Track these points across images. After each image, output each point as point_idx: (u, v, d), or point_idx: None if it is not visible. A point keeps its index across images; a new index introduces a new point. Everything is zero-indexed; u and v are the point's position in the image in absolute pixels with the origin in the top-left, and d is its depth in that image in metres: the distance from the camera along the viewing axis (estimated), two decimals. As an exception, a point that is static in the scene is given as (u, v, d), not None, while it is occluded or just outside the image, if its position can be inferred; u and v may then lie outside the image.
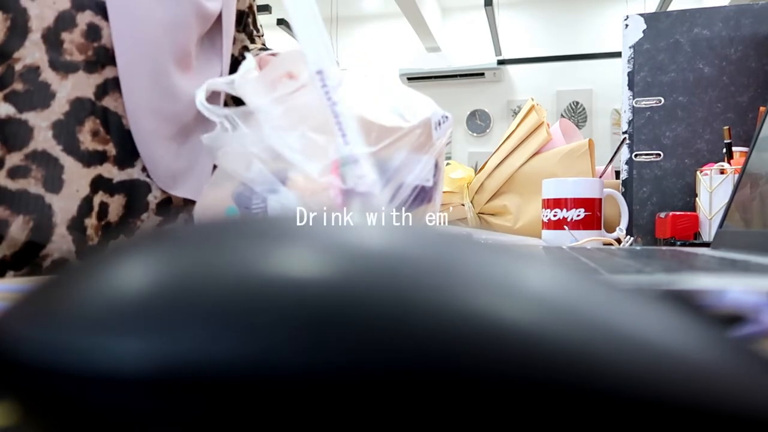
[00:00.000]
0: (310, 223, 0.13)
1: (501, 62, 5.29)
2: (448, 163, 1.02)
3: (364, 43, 5.73)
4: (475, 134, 5.54)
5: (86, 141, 0.54)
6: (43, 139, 0.51)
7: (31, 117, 0.51)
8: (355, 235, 0.13)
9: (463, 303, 0.11)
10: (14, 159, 0.50)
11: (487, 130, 5.51)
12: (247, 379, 0.10)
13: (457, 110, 5.59)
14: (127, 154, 0.56)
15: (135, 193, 0.57)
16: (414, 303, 0.11)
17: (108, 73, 0.55)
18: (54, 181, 0.52)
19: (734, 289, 0.23)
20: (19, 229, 0.50)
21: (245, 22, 0.73)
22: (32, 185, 0.51)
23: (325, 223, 0.13)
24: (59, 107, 0.52)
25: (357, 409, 0.10)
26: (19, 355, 0.11)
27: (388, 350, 0.10)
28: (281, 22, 4.38)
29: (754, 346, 0.12)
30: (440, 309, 0.11)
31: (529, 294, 0.12)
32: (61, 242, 0.52)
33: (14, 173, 0.50)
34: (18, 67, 0.51)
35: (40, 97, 0.51)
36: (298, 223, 0.13)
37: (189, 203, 0.62)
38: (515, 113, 5.20)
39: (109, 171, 0.55)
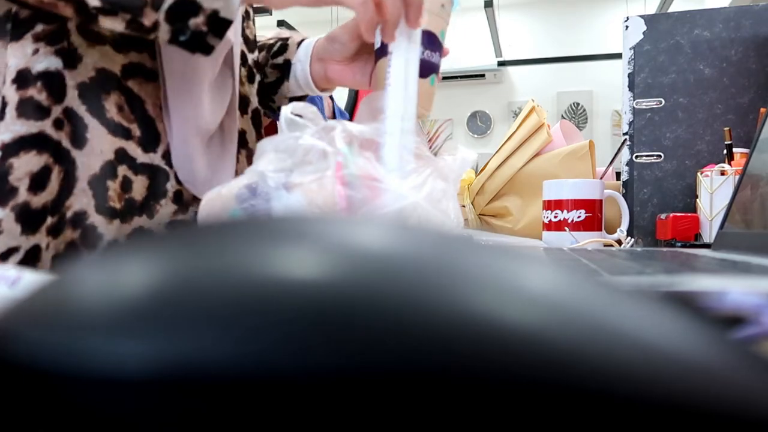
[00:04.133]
0: (312, 226, 0.13)
1: (501, 63, 5.29)
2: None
3: (365, 45, 5.71)
4: (475, 136, 5.53)
5: (111, 111, 0.56)
6: (71, 97, 0.54)
7: (67, 74, 0.54)
8: (357, 237, 0.13)
9: (464, 305, 0.11)
10: (57, 111, 0.54)
11: (488, 132, 5.51)
12: (247, 380, 0.10)
13: (458, 112, 5.59)
14: (151, 138, 0.59)
15: (157, 178, 0.60)
16: (415, 305, 0.11)
17: (133, 57, 0.58)
18: (78, 137, 0.55)
19: (735, 290, 0.23)
20: (55, 177, 0.53)
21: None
22: (64, 138, 0.54)
23: (326, 226, 0.13)
24: (86, 71, 0.55)
25: (357, 410, 0.10)
26: (19, 357, 0.11)
27: (389, 352, 0.10)
28: (281, 24, 4.38)
29: (754, 348, 0.12)
30: (442, 311, 0.11)
31: (530, 296, 0.12)
32: (81, 196, 0.55)
33: (57, 124, 0.54)
34: (69, 25, 0.55)
35: (70, 58, 0.54)
36: (300, 226, 0.13)
37: (197, 200, 0.64)
38: (516, 115, 5.19)
39: (134, 150, 0.58)
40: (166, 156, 0.60)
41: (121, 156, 0.57)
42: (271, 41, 0.77)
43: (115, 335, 0.10)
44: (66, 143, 0.54)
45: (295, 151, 0.48)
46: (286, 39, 0.77)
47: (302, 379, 0.10)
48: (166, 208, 0.60)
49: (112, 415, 0.10)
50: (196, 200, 0.63)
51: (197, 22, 0.51)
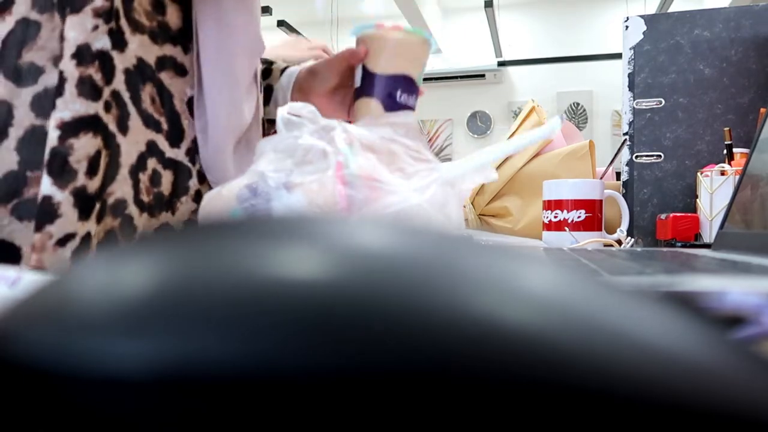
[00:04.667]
0: (312, 225, 0.13)
1: (501, 63, 5.29)
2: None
3: (365, 45, 5.71)
4: (475, 136, 5.53)
5: (146, 102, 0.56)
6: (118, 81, 0.53)
7: (115, 56, 0.53)
8: (357, 237, 0.13)
9: (464, 305, 0.11)
10: (106, 93, 0.53)
11: (488, 132, 5.51)
12: (247, 380, 0.10)
13: (458, 112, 5.59)
14: (176, 134, 0.59)
15: (181, 174, 0.60)
16: (416, 305, 0.11)
17: (167, 50, 0.57)
18: (123, 123, 0.54)
19: (735, 290, 0.23)
20: (103, 162, 0.52)
21: None
22: (111, 122, 0.53)
23: (327, 226, 0.13)
24: (130, 57, 0.54)
25: (358, 411, 0.10)
26: (19, 357, 0.11)
27: (389, 352, 0.10)
28: (281, 24, 4.38)
29: (754, 348, 0.12)
30: (442, 311, 0.11)
31: (531, 296, 0.12)
32: (122, 183, 0.54)
33: (106, 107, 0.53)
34: (117, 4, 0.54)
35: (119, 40, 0.54)
36: (300, 225, 0.13)
37: None
38: (516, 115, 5.19)
39: (162, 144, 0.57)
40: (189, 153, 0.60)
41: (152, 148, 0.56)
42: None
43: (115, 335, 0.10)
44: (113, 127, 0.53)
45: (295, 151, 0.48)
46: (270, 64, 0.78)
47: (303, 379, 0.10)
48: (186, 206, 0.60)
49: (112, 415, 0.10)
50: None
51: None
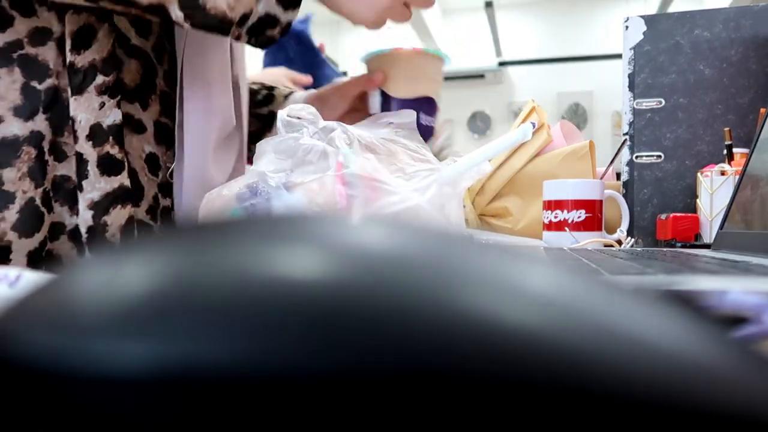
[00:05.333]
0: (312, 226, 0.13)
1: (501, 64, 5.29)
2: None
3: (365, 45, 5.72)
4: (476, 136, 5.53)
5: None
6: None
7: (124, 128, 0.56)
8: (357, 237, 0.13)
9: (465, 305, 0.11)
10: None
11: (488, 132, 5.51)
12: (247, 380, 0.10)
13: (458, 112, 5.58)
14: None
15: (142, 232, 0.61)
16: (416, 305, 0.11)
17: (125, 107, 0.58)
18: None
19: (735, 290, 0.23)
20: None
21: None
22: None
23: (327, 226, 0.13)
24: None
25: (358, 411, 0.10)
26: (19, 357, 0.11)
27: (389, 353, 0.10)
28: (282, 24, 4.38)
29: (754, 348, 0.12)
30: (442, 311, 0.11)
31: (531, 296, 0.12)
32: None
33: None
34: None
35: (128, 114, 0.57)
36: (301, 226, 0.13)
37: None
38: (516, 115, 5.17)
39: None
40: (151, 211, 0.60)
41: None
42: (255, 87, 0.76)
43: (115, 335, 0.10)
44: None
45: (295, 152, 0.48)
46: (272, 89, 0.76)
47: (303, 379, 0.10)
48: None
49: (112, 415, 0.10)
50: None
51: (273, 33, 0.54)
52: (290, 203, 0.44)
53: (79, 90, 0.52)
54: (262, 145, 0.50)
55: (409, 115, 0.57)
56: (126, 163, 0.54)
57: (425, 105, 0.62)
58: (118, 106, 0.54)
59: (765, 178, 0.52)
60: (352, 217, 0.14)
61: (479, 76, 5.40)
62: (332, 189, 0.44)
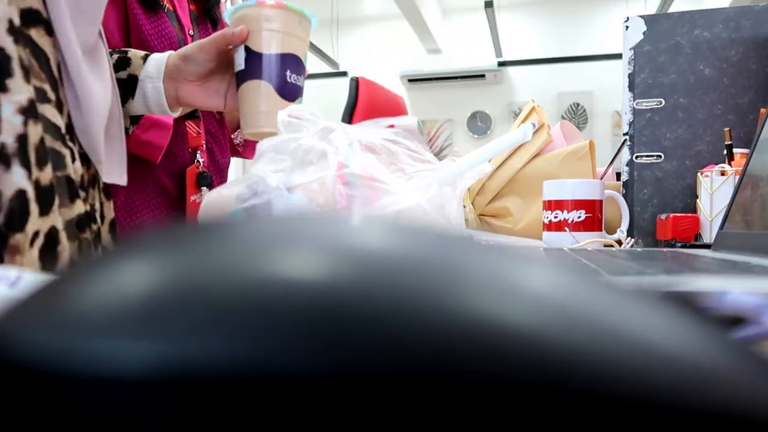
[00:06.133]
0: (312, 226, 0.13)
1: (501, 64, 5.29)
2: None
3: (365, 45, 5.73)
4: (476, 136, 5.53)
5: (30, 67, 0.50)
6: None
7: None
8: (357, 237, 0.13)
9: (464, 306, 0.11)
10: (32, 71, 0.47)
11: (488, 132, 5.51)
12: (247, 381, 0.10)
13: (458, 112, 5.59)
14: (59, 105, 0.52)
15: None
16: (416, 306, 0.11)
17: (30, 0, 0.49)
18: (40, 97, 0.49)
19: (735, 290, 0.23)
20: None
21: None
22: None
23: (327, 226, 0.13)
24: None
25: (358, 411, 0.10)
26: (19, 357, 0.11)
27: (389, 353, 0.10)
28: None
29: (754, 348, 0.12)
30: (442, 312, 0.11)
31: (531, 297, 0.12)
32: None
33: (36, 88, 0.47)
34: None
35: None
36: (301, 226, 0.13)
37: None
38: (516, 115, 5.18)
39: (54, 116, 0.51)
40: (69, 130, 0.52)
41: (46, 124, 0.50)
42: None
43: (115, 335, 0.10)
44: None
45: (295, 152, 0.48)
46: (125, 52, 0.69)
47: (303, 379, 0.10)
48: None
49: (112, 415, 0.10)
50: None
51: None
52: (290, 203, 0.44)
53: None
54: (261, 146, 0.50)
55: (410, 119, 0.58)
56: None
57: (291, 63, 0.62)
58: None
59: (765, 179, 0.52)
60: (352, 217, 0.14)
61: (479, 76, 5.41)
62: (332, 189, 0.44)
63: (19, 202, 0.43)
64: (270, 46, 0.61)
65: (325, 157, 0.46)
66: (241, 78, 0.63)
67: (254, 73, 0.61)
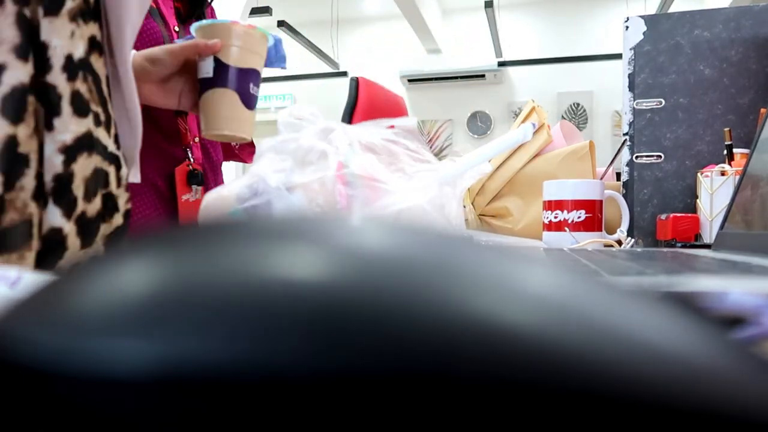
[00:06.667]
0: (312, 226, 0.13)
1: (501, 64, 5.29)
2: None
3: (365, 45, 5.73)
4: (476, 136, 5.53)
5: (84, 92, 0.51)
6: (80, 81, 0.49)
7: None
8: (357, 238, 0.13)
9: (465, 306, 0.11)
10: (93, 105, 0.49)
11: (488, 132, 5.51)
12: (247, 381, 0.10)
13: (458, 112, 5.59)
14: (108, 121, 0.54)
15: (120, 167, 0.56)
16: (416, 306, 0.11)
17: (91, 28, 0.50)
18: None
19: (735, 291, 0.23)
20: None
21: None
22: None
23: (327, 226, 0.13)
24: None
25: (357, 411, 0.10)
26: (18, 357, 0.11)
27: (389, 353, 0.10)
28: (282, 24, 4.38)
29: (755, 348, 0.12)
30: (442, 312, 0.11)
31: (531, 297, 0.12)
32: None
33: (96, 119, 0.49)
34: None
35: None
36: (301, 226, 0.13)
37: None
38: (516, 115, 5.19)
39: (104, 138, 0.54)
40: (116, 140, 0.53)
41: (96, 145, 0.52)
42: None
43: (115, 335, 0.10)
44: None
45: (295, 152, 0.48)
46: None
47: (303, 379, 0.10)
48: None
49: (112, 415, 0.10)
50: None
51: None
52: (290, 203, 0.44)
53: (53, 10, 0.43)
54: (261, 146, 0.50)
55: (410, 119, 0.59)
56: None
57: (253, 76, 0.71)
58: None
59: (765, 179, 0.52)
60: (352, 217, 0.14)
61: (479, 76, 5.41)
62: (332, 189, 0.44)
63: (53, 240, 0.44)
64: (238, 60, 0.69)
65: (325, 157, 0.46)
66: (207, 84, 0.70)
67: (222, 82, 0.69)
